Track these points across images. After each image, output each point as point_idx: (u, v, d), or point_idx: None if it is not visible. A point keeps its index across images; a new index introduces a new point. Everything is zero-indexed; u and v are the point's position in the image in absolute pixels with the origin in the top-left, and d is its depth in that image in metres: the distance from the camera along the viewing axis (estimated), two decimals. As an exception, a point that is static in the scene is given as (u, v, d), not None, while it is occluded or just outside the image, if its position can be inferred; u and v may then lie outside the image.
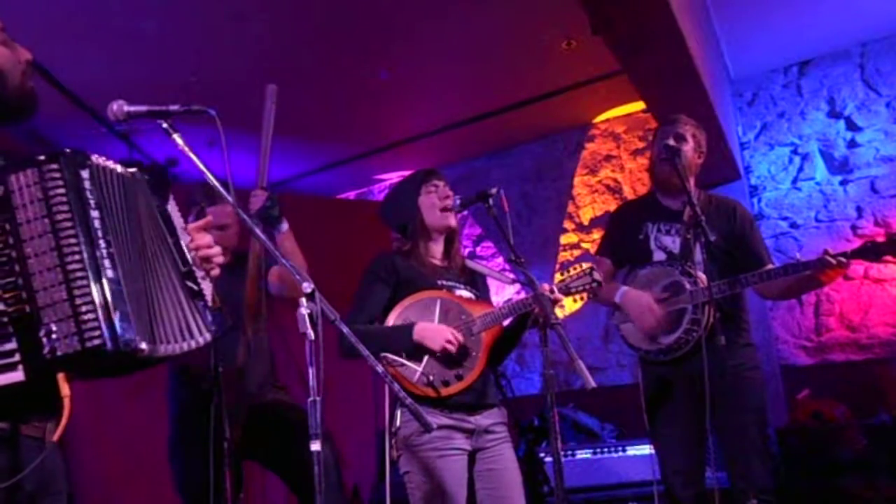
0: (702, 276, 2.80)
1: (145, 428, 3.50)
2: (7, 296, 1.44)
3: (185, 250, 1.74)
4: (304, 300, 1.64)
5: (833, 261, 2.63)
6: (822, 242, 4.85)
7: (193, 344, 1.66)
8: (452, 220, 2.65)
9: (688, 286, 2.83)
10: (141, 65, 4.35)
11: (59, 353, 1.42)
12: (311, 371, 1.61)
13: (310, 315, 1.63)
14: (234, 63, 4.46)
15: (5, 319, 1.43)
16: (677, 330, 2.82)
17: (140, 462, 3.97)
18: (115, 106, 1.74)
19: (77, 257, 1.46)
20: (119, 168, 1.64)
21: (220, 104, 1.79)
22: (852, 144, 4.98)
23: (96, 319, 1.44)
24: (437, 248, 2.70)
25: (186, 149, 1.73)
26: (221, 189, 1.73)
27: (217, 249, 1.77)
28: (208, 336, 1.69)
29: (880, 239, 2.67)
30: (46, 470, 1.60)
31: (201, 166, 1.72)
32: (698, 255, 2.85)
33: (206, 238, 1.77)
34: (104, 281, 1.48)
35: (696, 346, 2.79)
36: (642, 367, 3.01)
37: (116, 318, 1.47)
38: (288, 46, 4.40)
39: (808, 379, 4.69)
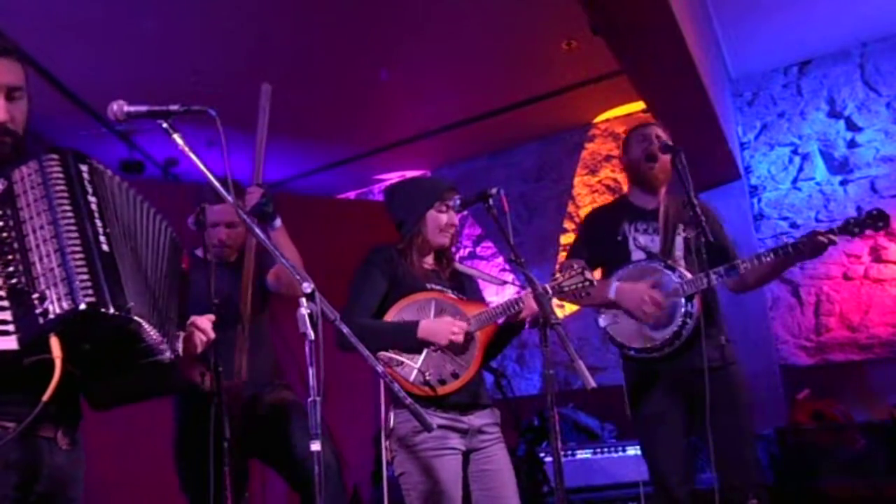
0: (686, 273, 2.85)
1: (148, 428, 3.50)
2: (3, 271, 1.47)
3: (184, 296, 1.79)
4: (303, 300, 1.64)
5: (825, 240, 2.71)
6: (822, 242, 4.85)
7: (168, 354, 1.66)
8: (447, 241, 2.67)
9: (675, 279, 2.85)
10: (141, 64, 4.35)
11: (50, 316, 1.44)
12: (311, 371, 1.61)
13: (310, 315, 1.63)
14: (234, 63, 4.46)
15: (2, 293, 1.46)
16: (671, 324, 2.83)
17: (143, 462, 3.96)
18: (115, 106, 1.74)
19: (73, 229, 1.51)
20: (125, 184, 1.73)
21: (219, 104, 1.79)
22: (852, 144, 4.98)
23: (89, 280, 1.46)
24: (429, 255, 2.72)
25: (187, 149, 1.73)
26: (221, 189, 1.73)
27: (203, 338, 1.85)
28: (171, 355, 1.69)
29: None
30: (62, 474, 1.63)
31: (201, 166, 1.72)
32: (678, 250, 2.91)
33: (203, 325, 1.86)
34: (99, 252, 1.52)
35: (685, 341, 2.81)
36: (626, 365, 3.01)
37: (111, 283, 1.50)
38: (288, 47, 4.40)
39: (808, 379, 4.69)
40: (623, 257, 3.01)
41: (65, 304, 1.44)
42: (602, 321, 3.00)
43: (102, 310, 1.46)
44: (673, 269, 2.87)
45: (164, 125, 1.74)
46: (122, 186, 1.73)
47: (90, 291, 1.45)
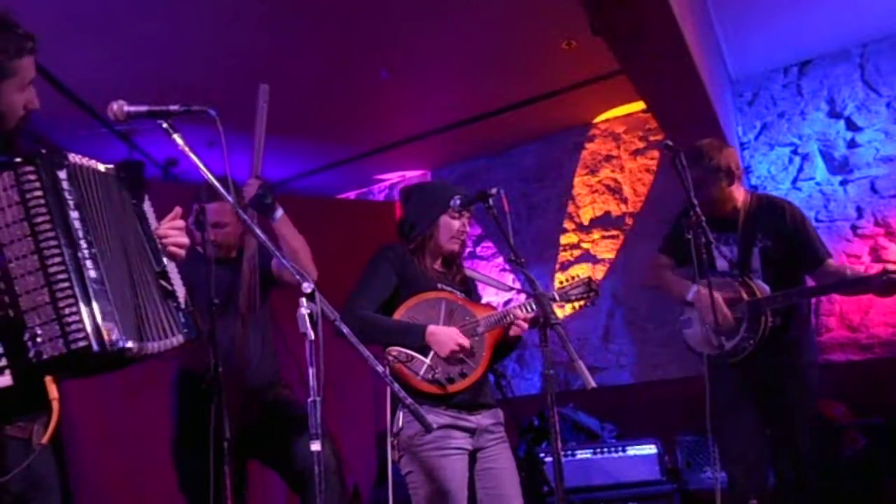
0: (763, 286, 3.00)
1: (147, 427, 3.50)
2: None
3: (159, 249, 1.75)
4: (303, 300, 1.64)
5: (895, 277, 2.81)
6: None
7: (170, 344, 1.67)
8: (457, 248, 2.72)
9: (745, 297, 3.00)
10: (141, 65, 4.35)
11: (44, 357, 1.43)
12: (311, 371, 1.62)
13: (310, 315, 1.63)
14: (234, 63, 4.45)
15: None
16: (735, 337, 2.98)
17: (142, 461, 3.97)
18: (115, 106, 1.74)
19: (58, 259, 1.47)
20: (97, 165, 1.67)
21: (219, 104, 1.79)
22: (852, 144, 4.98)
23: (80, 321, 1.44)
24: (439, 260, 2.73)
25: (187, 149, 1.73)
26: (221, 189, 1.73)
27: (183, 240, 1.81)
28: (181, 338, 1.69)
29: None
30: (34, 471, 1.60)
31: (201, 166, 1.72)
32: (756, 262, 3.07)
33: (174, 227, 1.82)
34: (87, 282, 1.48)
35: (757, 349, 2.96)
36: (708, 362, 3.12)
37: (101, 318, 1.47)
38: (288, 46, 4.40)
39: (808, 379, 4.69)
40: (707, 261, 3.15)
41: (58, 347, 1.43)
42: (678, 324, 3.22)
43: (96, 350, 1.46)
44: (748, 286, 3.03)
45: (164, 125, 1.74)
46: (98, 177, 1.68)
47: (81, 335, 1.44)
